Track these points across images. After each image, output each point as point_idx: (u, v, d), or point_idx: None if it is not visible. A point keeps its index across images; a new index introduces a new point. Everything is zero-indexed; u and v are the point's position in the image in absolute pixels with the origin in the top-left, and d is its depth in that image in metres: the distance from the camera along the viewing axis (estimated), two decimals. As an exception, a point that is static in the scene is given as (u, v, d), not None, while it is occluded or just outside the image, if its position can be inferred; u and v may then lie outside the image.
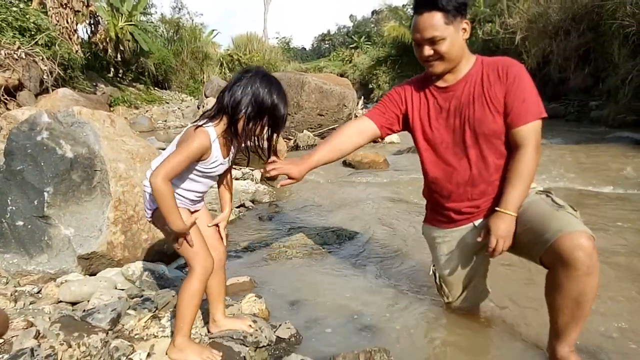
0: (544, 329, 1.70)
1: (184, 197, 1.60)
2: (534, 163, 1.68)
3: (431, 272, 2.03)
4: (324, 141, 2.00)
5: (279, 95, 1.53)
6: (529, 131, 1.68)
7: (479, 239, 1.71)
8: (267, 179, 5.36)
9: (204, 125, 1.51)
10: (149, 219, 1.63)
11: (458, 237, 1.89)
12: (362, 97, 15.07)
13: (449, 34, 1.67)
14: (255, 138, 1.56)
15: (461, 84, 1.78)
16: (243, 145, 1.57)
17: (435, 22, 1.66)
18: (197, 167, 1.55)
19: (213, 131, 1.52)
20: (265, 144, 1.62)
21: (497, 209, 1.68)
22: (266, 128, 1.56)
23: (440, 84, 1.83)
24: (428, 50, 1.73)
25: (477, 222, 1.84)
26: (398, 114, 1.95)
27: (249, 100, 1.49)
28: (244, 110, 1.49)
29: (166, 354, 1.60)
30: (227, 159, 1.62)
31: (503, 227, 1.63)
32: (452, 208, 1.86)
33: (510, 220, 1.64)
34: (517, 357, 1.74)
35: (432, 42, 1.70)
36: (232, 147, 1.62)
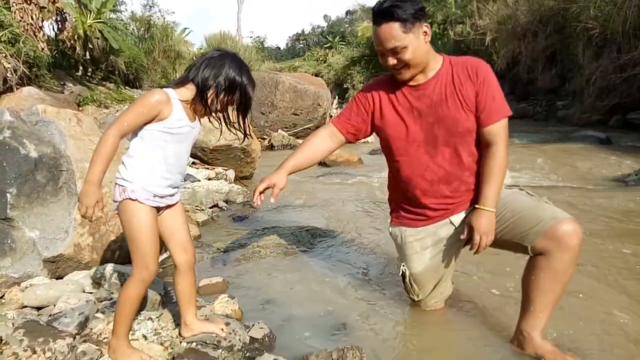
0: (508, 320, 1.75)
1: (152, 183, 1.53)
2: (506, 159, 1.76)
3: (400, 272, 2.03)
4: (297, 149, 2.05)
5: (248, 77, 1.59)
6: (499, 129, 1.74)
7: (463, 237, 1.79)
8: (241, 178, 5.31)
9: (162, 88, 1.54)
10: (115, 211, 1.59)
11: (432, 233, 1.92)
12: (337, 97, 15.11)
13: (409, 42, 1.71)
14: (225, 110, 1.61)
15: (432, 83, 1.81)
16: (213, 114, 1.61)
17: (394, 32, 1.69)
18: (161, 129, 1.51)
19: (172, 92, 1.54)
20: (235, 120, 1.66)
21: (476, 206, 1.75)
22: (235, 104, 1.60)
23: (411, 82, 1.85)
24: (392, 60, 1.76)
25: (453, 217, 1.87)
26: (365, 118, 1.95)
27: (222, 74, 1.53)
28: (214, 83, 1.53)
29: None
30: (195, 123, 1.62)
31: (484, 223, 1.72)
32: (427, 205, 1.89)
33: (490, 215, 1.72)
34: (488, 351, 1.78)
35: (395, 51, 1.73)
36: (199, 117, 1.64)
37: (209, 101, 1.55)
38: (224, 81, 1.53)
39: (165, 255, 2.82)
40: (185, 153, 1.64)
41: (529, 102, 13.18)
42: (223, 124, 1.65)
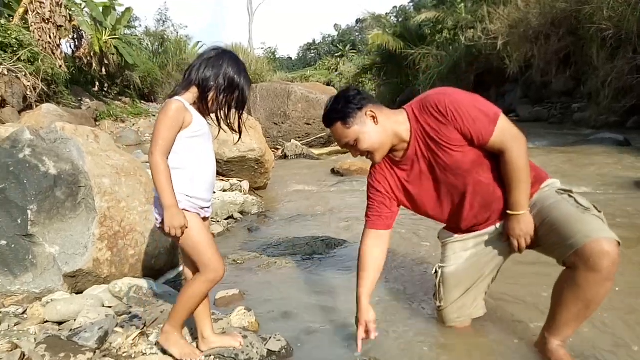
0: (529, 328, 1.72)
1: (193, 195, 1.58)
2: (523, 157, 1.68)
3: (434, 270, 2.02)
4: (360, 271, 1.95)
5: (245, 76, 1.62)
6: (499, 136, 1.67)
7: (503, 241, 1.82)
8: (255, 189, 5.34)
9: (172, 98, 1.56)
10: (159, 226, 1.60)
11: (477, 236, 1.92)
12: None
13: (357, 133, 1.78)
14: (225, 109, 1.63)
15: (411, 152, 1.81)
16: (214, 115, 1.65)
17: (339, 131, 1.81)
18: (190, 135, 1.57)
19: (183, 99, 1.56)
20: (236, 121, 1.68)
21: (508, 212, 1.76)
22: (234, 103, 1.62)
23: (396, 159, 1.87)
24: (355, 152, 1.85)
25: (498, 224, 1.87)
26: (392, 200, 1.93)
27: (221, 74, 1.56)
28: (214, 83, 1.56)
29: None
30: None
31: (518, 227, 1.73)
32: (470, 229, 1.92)
33: (522, 218, 1.72)
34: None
35: (351, 145, 1.82)
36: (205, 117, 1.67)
37: (210, 102, 1.59)
38: (224, 81, 1.57)
39: (182, 268, 2.84)
40: (212, 151, 1.69)
41: (544, 106, 13.03)
42: (221, 122, 1.67)
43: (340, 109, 1.78)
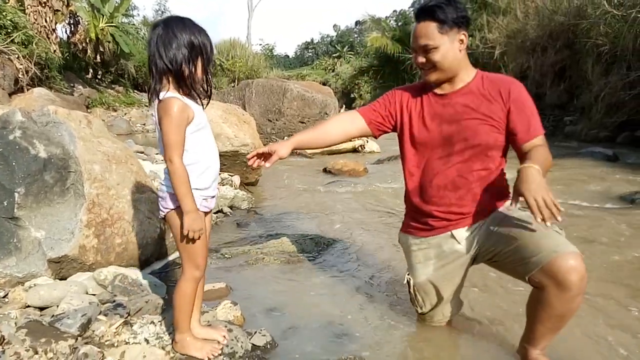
0: (514, 334, 1.73)
1: (203, 187, 1.59)
2: (549, 156, 1.68)
3: (405, 280, 2.02)
4: (312, 127, 2.00)
5: (198, 30, 1.52)
6: (539, 142, 1.73)
7: (512, 205, 1.55)
8: (246, 184, 5.33)
9: (162, 97, 1.50)
10: (162, 217, 1.63)
11: (435, 245, 1.90)
12: (344, 106, 15.12)
13: (442, 44, 1.71)
14: (204, 76, 1.57)
15: (459, 94, 1.81)
16: (195, 88, 1.56)
17: (429, 31, 1.72)
18: (192, 130, 1.55)
19: (171, 94, 1.51)
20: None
21: (520, 167, 1.57)
22: (206, 62, 1.55)
23: (438, 91, 1.85)
24: (421, 58, 1.78)
25: (455, 231, 1.84)
26: (391, 112, 1.95)
27: (180, 45, 1.48)
28: (182, 57, 1.48)
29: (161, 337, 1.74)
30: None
31: (531, 181, 1.47)
32: (430, 213, 1.87)
33: (536, 172, 1.50)
34: (490, 366, 1.76)
35: (426, 50, 1.74)
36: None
37: (187, 80, 1.52)
38: (186, 49, 1.48)
39: (174, 256, 2.83)
40: (214, 140, 1.67)
41: (537, 117, 13.14)
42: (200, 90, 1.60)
43: (447, 13, 1.68)
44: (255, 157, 1.86)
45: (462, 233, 1.84)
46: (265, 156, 1.85)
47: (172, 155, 1.49)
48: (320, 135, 1.97)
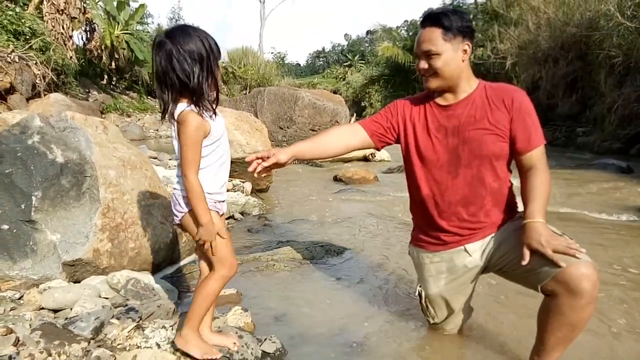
0: (525, 343, 1.72)
1: (213, 191, 1.60)
2: (549, 180, 1.70)
3: (417, 292, 2.01)
4: (312, 137, 2.00)
5: (203, 35, 1.50)
6: (539, 154, 1.73)
7: (524, 263, 1.57)
8: (257, 191, 5.35)
9: (179, 111, 1.50)
10: (177, 223, 1.65)
11: (447, 259, 1.88)
12: (355, 115, 15.15)
13: (444, 51, 1.72)
14: (217, 82, 1.58)
15: (462, 105, 1.80)
16: (212, 98, 1.56)
17: (433, 37, 1.72)
18: (209, 142, 1.56)
19: (188, 107, 1.50)
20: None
21: (524, 221, 1.63)
22: (214, 68, 1.54)
23: (440, 101, 1.84)
24: (423, 64, 1.78)
25: (468, 245, 1.83)
26: (393, 124, 1.95)
27: (191, 57, 1.45)
28: (197, 71, 1.47)
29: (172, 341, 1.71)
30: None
31: (536, 237, 1.56)
32: (443, 228, 1.85)
33: (540, 226, 1.58)
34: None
35: (428, 55, 1.75)
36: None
37: (203, 91, 1.50)
38: (197, 60, 1.46)
39: (186, 262, 2.85)
40: (229, 147, 1.69)
41: (548, 128, 13.05)
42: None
43: (452, 21, 1.70)
44: (255, 160, 1.83)
45: (474, 247, 1.83)
46: (265, 160, 1.83)
47: (188, 172, 1.51)
48: (320, 146, 1.97)
